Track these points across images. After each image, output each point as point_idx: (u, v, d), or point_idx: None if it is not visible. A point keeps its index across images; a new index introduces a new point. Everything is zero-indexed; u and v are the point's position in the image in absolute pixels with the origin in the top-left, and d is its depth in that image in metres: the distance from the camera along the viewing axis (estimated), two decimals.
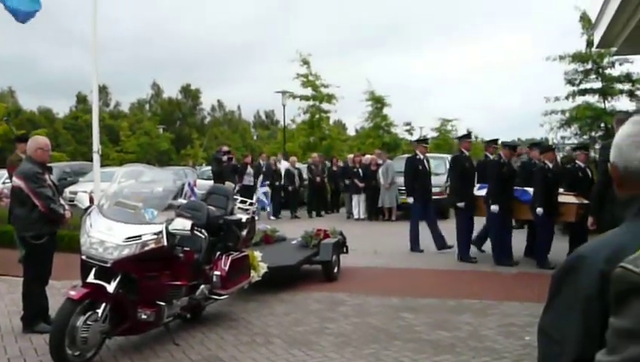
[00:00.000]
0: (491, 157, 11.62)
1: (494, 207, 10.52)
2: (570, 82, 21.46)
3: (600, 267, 1.38)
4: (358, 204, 19.69)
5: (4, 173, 13.79)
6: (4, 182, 16.11)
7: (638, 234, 1.39)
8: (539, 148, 11.31)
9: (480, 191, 11.31)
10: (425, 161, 12.81)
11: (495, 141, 12.10)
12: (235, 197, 8.42)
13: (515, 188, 10.89)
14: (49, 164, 7.15)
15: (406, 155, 26.75)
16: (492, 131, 64.72)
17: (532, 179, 10.61)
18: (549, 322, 1.47)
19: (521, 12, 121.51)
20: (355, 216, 19.57)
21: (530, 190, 10.59)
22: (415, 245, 12.53)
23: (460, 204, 11.25)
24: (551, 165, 10.38)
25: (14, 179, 6.97)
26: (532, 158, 11.69)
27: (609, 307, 1.28)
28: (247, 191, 17.47)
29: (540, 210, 10.06)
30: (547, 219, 10.33)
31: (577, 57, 20.93)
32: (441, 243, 12.29)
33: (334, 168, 21.76)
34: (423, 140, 13.62)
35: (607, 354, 1.20)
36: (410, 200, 12.75)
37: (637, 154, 1.50)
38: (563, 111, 21.81)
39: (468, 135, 11.99)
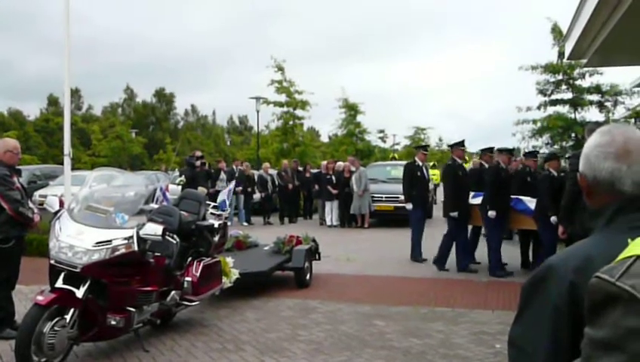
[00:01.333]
0: (487, 165, 11.48)
1: (492, 213, 10.31)
2: (542, 92, 21.76)
3: (569, 278, 1.39)
4: (331, 211, 19.69)
5: None
6: None
7: (606, 245, 1.39)
8: (507, 155, 11.23)
9: (475, 200, 11.11)
10: (423, 167, 12.59)
11: (491, 149, 11.89)
12: (208, 202, 8.35)
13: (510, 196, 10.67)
14: (19, 167, 7.04)
15: (379, 162, 27.03)
16: (466, 141, 65.14)
17: (530, 188, 10.47)
18: (519, 333, 1.48)
19: (495, 23, 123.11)
20: (328, 223, 19.56)
21: (526, 199, 10.43)
22: (417, 254, 12.26)
23: (454, 214, 11.02)
24: (556, 173, 9.95)
25: None
26: (527, 166, 11.70)
27: (578, 317, 1.28)
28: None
29: (554, 218, 9.25)
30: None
31: (549, 68, 21.24)
32: (416, 255, 12.19)
33: (307, 174, 21.74)
34: (422, 147, 13.27)
35: None
36: (409, 206, 12.44)
37: (605, 164, 1.52)
38: (534, 121, 22.08)
39: (461, 143, 11.73)
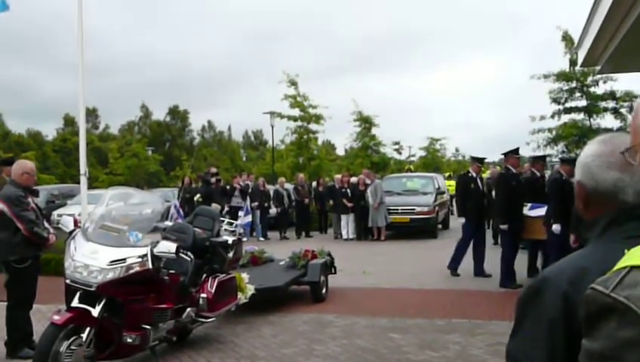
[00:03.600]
0: (538, 174, 11.09)
1: (556, 227, 9.47)
2: (556, 101, 21.68)
3: (563, 289, 1.38)
4: (347, 224, 19.65)
5: None
6: None
7: (602, 256, 1.39)
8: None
9: (533, 212, 10.34)
10: (478, 179, 12.04)
11: (543, 158, 11.41)
12: (222, 218, 8.38)
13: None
14: (37, 187, 7.12)
15: (395, 174, 27.00)
16: (480, 150, 65.20)
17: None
18: (516, 346, 1.47)
19: (507, 33, 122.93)
20: (344, 237, 19.53)
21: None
22: (455, 265, 11.77)
23: (504, 227, 10.46)
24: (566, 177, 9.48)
25: None
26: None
27: (573, 329, 1.28)
28: (236, 213, 17.44)
29: (555, 226, 9.14)
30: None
31: (562, 76, 21.15)
32: (479, 269, 11.58)
33: (320, 188, 21.75)
34: (477, 159, 12.57)
35: None
36: (462, 220, 11.96)
37: (608, 174, 1.51)
38: (550, 130, 21.99)
39: (515, 150, 11.17)
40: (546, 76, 21.24)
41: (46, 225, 6.98)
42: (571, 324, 1.31)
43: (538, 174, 11.30)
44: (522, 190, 10.82)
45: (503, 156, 11.66)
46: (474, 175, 12.07)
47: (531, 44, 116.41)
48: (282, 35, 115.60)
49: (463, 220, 11.95)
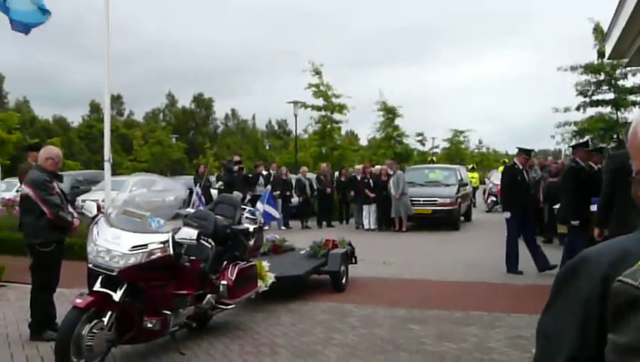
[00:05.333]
0: (597, 167, 10.47)
1: (576, 222, 9.40)
2: (582, 93, 21.38)
3: (603, 270, 1.34)
4: (369, 215, 19.64)
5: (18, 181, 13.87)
6: (17, 190, 16.23)
7: None
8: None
9: (593, 207, 9.62)
10: (524, 172, 11.55)
11: (600, 150, 10.90)
12: (243, 206, 8.42)
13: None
14: (61, 173, 7.21)
15: (417, 165, 26.90)
16: (503, 142, 64.62)
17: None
18: (547, 322, 1.44)
19: (534, 24, 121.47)
20: (366, 227, 19.52)
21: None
22: (512, 266, 11.11)
23: (575, 222, 9.67)
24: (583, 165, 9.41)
25: (23, 186, 7.05)
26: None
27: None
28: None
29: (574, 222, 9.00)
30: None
31: (589, 68, 20.85)
32: (542, 262, 10.97)
33: (342, 179, 21.76)
34: (524, 150, 11.95)
35: None
36: (507, 215, 11.36)
37: None
38: (576, 123, 21.72)
39: (585, 143, 10.80)
40: (573, 68, 20.95)
41: (70, 209, 7.07)
42: (607, 307, 1.28)
43: (596, 167, 10.94)
44: (592, 184, 9.94)
45: (571, 149, 11.24)
46: (520, 167, 11.59)
47: (559, 36, 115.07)
48: (307, 26, 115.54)
49: (507, 215, 11.36)
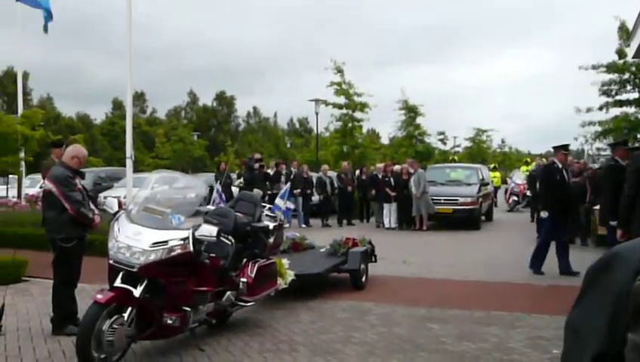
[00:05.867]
0: None
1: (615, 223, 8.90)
2: (605, 93, 21.09)
3: (635, 266, 1.31)
4: (390, 213, 19.60)
5: (41, 178, 14.03)
6: (41, 187, 16.41)
7: None
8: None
9: None
10: (564, 170, 11.12)
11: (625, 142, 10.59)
12: (263, 204, 8.44)
13: None
14: (83, 170, 7.28)
15: (438, 164, 26.79)
16: (526, 141, 64.26)
17: None
18: (577, 316, 1.42)
19: (557, 23, 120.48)
20: (386, 225, 19.49)
21: None
22: (537, 266, 10.85)
23: (614, 223, 9.06)
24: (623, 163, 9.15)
25: (46, 182, 7.13)
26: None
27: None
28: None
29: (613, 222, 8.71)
30: None
31: (613, 67, 20.56)
32: (566, 267, 10.69)
33: (363, 177, 21.72)
34: (562, 146, 11.46)
35: None
36: (544, 214, 11.07)
37: None
38: (600, 123, 21.46)
39: (624, 142, 10.44)
40: (594, 67, 20.67)
41: (91, 206, 7.13)
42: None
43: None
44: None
45: (609, 147, 10.87)
46: (559, 165, 11.14)
47: (583, 35, 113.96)
48: (331, 24, 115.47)
49: (545, 214, 11.04)
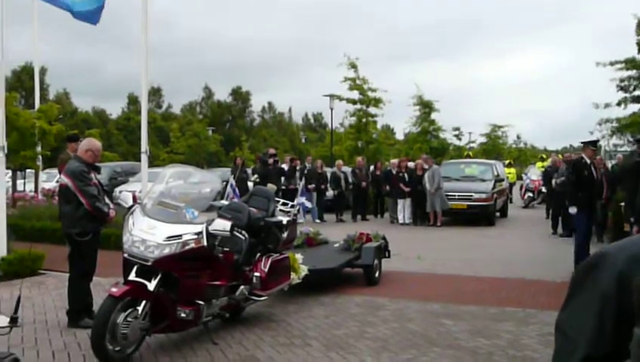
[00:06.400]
0: None
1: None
2: (623, 89, 20.88)
3: (620, 266, 1.33)
4: (403, 209, 19.56)
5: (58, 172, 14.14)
6: (57, 181, 16.54)
7: None
8: None
9: None
10: (592, 166, 10.94)
11: None
12: (277, 199, 8.46)
13: None
14: (99, 164, 7.33)
15: (453, 160, 26.66)
16: (542, 138, 63.92)
17: None
18: (565, 318, 1.43)
19: (574, 20, 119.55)
20: (400, 221, 19.45)
21: None
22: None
23: (632, 219, 9.14)
24: None
25: (62, 176, 7.19)
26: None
27: (626, 308, 1.24)
28: (294, 194, 17.59)
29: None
30: None
31: (631, 63, 20.35)
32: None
33: (377, 173, 21.69)
34: (591, 142, 11.36)
35: None
36: (573, 210, 10.86)
37: None
38: (618, 119, 21.25)
39: None
40: (612, 63, 20.47)
41: (107, 200, 7.18)
42: (624, 303, 1.27)
43: None
44: None
45: (636, 143, 10.76)
46: (588, 161, 10.96)
47: (600, 32, 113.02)
48: (346, 20, 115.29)
49: (573, 210, 10.86)
